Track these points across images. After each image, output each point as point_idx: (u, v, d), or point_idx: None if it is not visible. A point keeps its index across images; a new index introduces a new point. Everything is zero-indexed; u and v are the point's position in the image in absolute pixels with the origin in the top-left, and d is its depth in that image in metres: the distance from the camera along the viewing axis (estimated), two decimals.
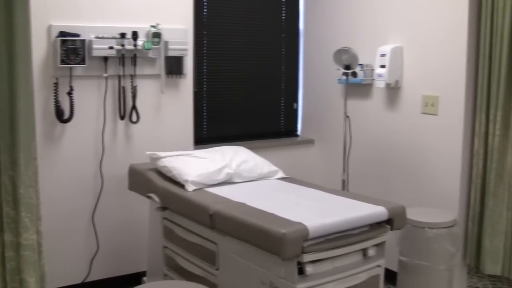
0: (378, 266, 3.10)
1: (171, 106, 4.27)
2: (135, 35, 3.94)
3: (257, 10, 4.96)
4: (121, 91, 4.04)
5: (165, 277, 3.72)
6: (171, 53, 4.10)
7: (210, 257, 3.22)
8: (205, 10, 4.65)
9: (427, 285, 3.76)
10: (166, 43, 4.07)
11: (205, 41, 4.68)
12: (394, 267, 3.94)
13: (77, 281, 4.07)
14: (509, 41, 3.62)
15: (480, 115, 3.81)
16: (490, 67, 3.75)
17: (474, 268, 4.07)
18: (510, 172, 3.69)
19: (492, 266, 3.80)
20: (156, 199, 3.57)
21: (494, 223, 3.76)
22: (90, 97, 3.97)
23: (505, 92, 3.67)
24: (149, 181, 3.67)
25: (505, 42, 3.63)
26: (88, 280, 4.10)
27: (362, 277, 3.01)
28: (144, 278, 4.04)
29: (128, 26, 3.96)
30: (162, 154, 3.72)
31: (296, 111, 5.28)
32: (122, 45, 3.90)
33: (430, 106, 4.04)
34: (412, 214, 3.69)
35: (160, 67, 4.13)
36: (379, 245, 3.07)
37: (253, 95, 5.01)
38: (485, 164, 3.83)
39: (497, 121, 3.71)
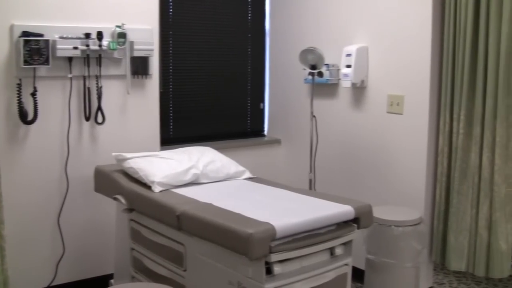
0: (346, 264, 3.12)
1: (137, 107, 4.24)
2: (100, 35, 3.89)
3: (223, 10, 4.96)
4: (86, 92, 3.99)
5: (133, 279, 3.69)
6: (136, 54, 4.07)
7: (177, 258, 3.20)
8: (170, 10, 4.62)
9: (394, 283, 3.79)
10: (132, 43, 4.04)
11: (171, 41, 4.66)
12: (361, 266, 3.97)
13: (43, 285, 4.01)
14: (471, 41, 3.68)
15: (444, 114, 3.86)
16: (453, 67, 3.81)
17: (440, 264, 4.12)
18: (473, 170, 3.74)
19: (457, 262, 3.85)
20: (123, 200, 3.54)
21: (459, 220, 3.82)
22: (55, 98, 3.92)
23: (468, 91, 3.73)
24: (115, 182, 3.64)
25: (467, 43, 3.69)
26: (54, 284, 4.04)
27: (330, 276, 3.02)
28: (112, 281, 4.00)
29: (93, 26, 3.92)
30: (128, 155, 3.69)
31: (262, 111, 5.29)
32: (87, 46, 3.85)
33: (395, 105, 4.08)
34: (379, 212, 3.71)
35: (125, 67, 4.09)
36: (346, 244, 3.09)
37: (220, 96, 5.00)
38: (449, 162, 3.89)
39: (460, 119, 3.76)
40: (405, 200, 4.05)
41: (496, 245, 3.69)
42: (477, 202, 3.76)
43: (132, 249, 3.66)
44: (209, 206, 3.08)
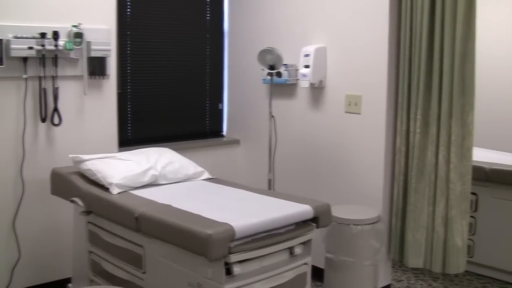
0: (305, 264, 3.14)
1: (94, 108, 4.19)
2: (56, 35, 3.83)
3: (182, 10, 4.93)
4: (42, 93, 3.92)
5: (91, 282, 3.64)
6: (93, 54, 4.01)
7: (136, 260, 3.18)
8: (128, 10, 4.58)
9: (353, 281, 3.83)
10: (89, 43, 3.98)
11: (128, 42, 4.61)
12: (321, 264, 3.99)
13: None
14: (427, 43, 3.74)
15: (402, 114, 3.91)
16: (410, 68, 3.86)
17: (398, 262, 4.17)
18: (430, 168, 3.80)
19: (415, 259, 3.90)
20: (80, 203, 3.49)
21: (416, 218, 3.87)
22: (9, 99, 3.84)
23: (424, 91, 3.78)
24: (73, 185, 3.59)
25: (423, 44, 3.74)
26: None
27: (290, 275, 3.04)
28: (69, 285, 3.94)
29: (48, 25, 3.85)
30: (85, 157, 3.65)
31: (221, 111, 5.28)
32: (43, 45, 3.78)
33: (353, 105, 4.12)
34: (338, 211, 3.74)
35: (82, 68, 4.03)
36: (305, 243, 3.11)
37: (178, 96, 4.97)
38: (406, 161, 3.94)
39: (417, 119, 3.82)
40: (363, 198, 4.09)
41: (452, 242, 3.75)
42: (433, 200, 3.81)
43: (90, 252, 3.62)
44: (168, 208, 3.06)
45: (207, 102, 5.19)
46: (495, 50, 6.34)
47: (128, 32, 4.60)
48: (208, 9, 5.09)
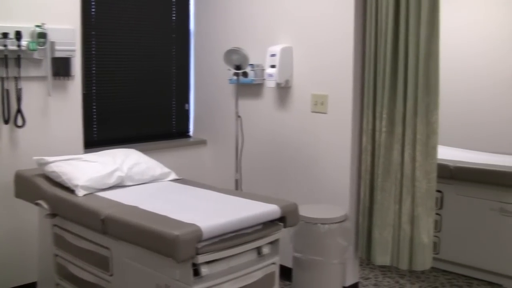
0: (273, 263, 3.15)
1: (59, 109, 4.13)
2: (18, 35, 3.77)
3: (147, 10, 4.89)
4: (5, 94, 3.85)
5: (57, 286, 3.60)
6: (58, 54, 3.96)
7: (103, 263, 3.14)
8: (93, 10, 4.53)
9: (321, 279, 3.84)
10: (53, 43, 3.93)
11: (93, 42, 4.56)
12: (289, 264, 4.00)
13: None
14: (392, 43, 3.77)
15: (367, 113, 3.94)
16: (375, 68, 3.89)
17: (366, 260, 4.21)
18: (396, 167, 3.83)
19: (382, 257, 3.94)
20: (45, 205, 3.45)
21: (383, 216, 3.90)
22: None
23: (390, 90, 3.82)
24: (37, 187, 3.54)
25: (388, 44, 3.78)
26: None
27: (258, 275, 3.05)
28: None
29: (10, 25, 3.78)
30: (50, 159, 3.60)
31: (188, 112, 5.26)
32: (5, 46, 3.72)
33: (319, 104, 4.13)
34: (305, 211, 3.76)
35: (46, 68, 3.98)
36: (273, 243, 3.11)
37: (145, 97, 4.94)
38: (373, 160, 3.97)
39: (383, 118, 3.85)
40: (330, 198, 4.12)
41: (418, 239, 3.79)
42: (400, 198, 3.85)
43: (56, 255, 3.57)
44: (135, 209, 3.05)
45: (174, 102, 5.16)
46: (460, 51, 6.44)
47: (93, 32, 4.55)
48: (173, 9, 5.07)
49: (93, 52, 4.56)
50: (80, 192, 3.34)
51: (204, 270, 2.73)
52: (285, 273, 3.98)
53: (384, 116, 3.84)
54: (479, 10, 6.28)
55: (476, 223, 4.43)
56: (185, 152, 5.04)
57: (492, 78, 6.22)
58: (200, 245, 2.68)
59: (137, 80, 4.88)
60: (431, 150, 3.73)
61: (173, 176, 3.83)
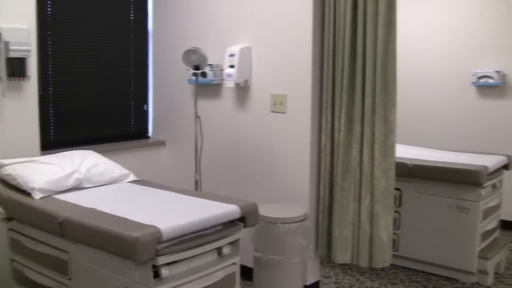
0: (234, 263, 3.15)
1: (14, 111, 4.05)
2: None
3: (105, 10, 4.84)
4: None
5: None
6: (12, 54, 3.88)
7: (61, 267, 3.10)
8: (49, 9, 4.45)
9: (282, 279, 3.85)
10: (7, 43, 3.85)
11: (49, 42, 4.49)
12: (249, 264, 4.00)
13: None
14: (350, 42, 3.80)
15: (326, 112, 3.97)
16: (334, 67, 3.92)
17: (326, 258, 4.23)
18: (355, 165, 3.87)
19: (342, 255, 3.97)
20: (0, 209, 3.39)
21: (343, 214, 3.93)
22: None
23: (348, 90, 3.85)
24: None
25: (346, 44, 3.81)
26: None
27: (219, 276, 3.05)
28: None
29: None
30: (5, 161, 3.54)
31: (146, 112, 5.21)
32: None
33: (278, 104, 4.14)
34: (265, 210, 3.76)
35: (0, 69, 3.90)
36: (233, 243, 3.12)
37: (103, 97, 4.88)
38: (332, 159, 4.00)
39: (341, 117, 3.88)
40: (290, 197, 4.13)
41: (377, 237, 3.83)
42: (359, 196, 3.89)
43: (12, 260, 3.51)
44: (93, 211, 3.01)
45: (132, 103, 5.11)
46: (418, 51, 6.55)
47: (49, 32, 4.48)
48: (131, 9, 5.02)
49: (50, 52, 4.49)
50: (37, 195, 3.29)
51: (164, 271, 2.72)
52: (246, 273, 3.98)
53: (343, 115, 3.87)
54: (439, 11, 6.41)
55: (434, 220, 4.50)
56: (144, 153, 5.00)
57: (450, 77, 6.35)
58: (160, 246, 2.67)
59: (95, 81, 4.81)
60: (389, 148, 3.77)
61: (132, 177, 3.81)
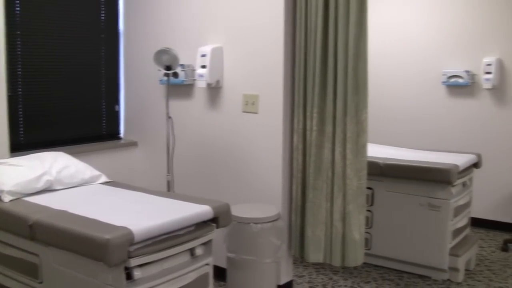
0: (207, 264, 3.15)
1: None
2: None
3: (75, 10, 4.79)
4: None
5: None
6: None
7: (32, 270, 3.07)
8: (17, 9, 4.39)
9: (255, 279, 3.85)
10: None
11: (19, 42, 4.43)
12: (223, 264, 3.99)
13: None
14: (321, 43, 3.81)
15: (298, 112, 3.97)
16: (305, 67, 3.93)
17: (299, 258, 4.23)
18: (327, 165, 3.88)
19: (315, 254, 3.98)
20: None
21: (315, 214, 3.94)
22: None
23: (320, 90, 3.86)
24: None
25: (318, 43, 3.82)
26: None
27: (192, 277, 3.05)
28: None
29: None
30: None
31: (118, 113, 5.17)
32: None
33: (250, 104, 4.14)
34: (237, 211, 3.76)
35: None
36: (206, 244, 3.12)
37: (73, 98, 4.83)
38: (304, 158, 4.01)
39: (313, 117, 3.89)
40: (263, 197, 4.13)
41: (350, 236, 3.85)
42: (331, 195, 3.90)
43: None
44: (64, 214, 2.99)
45: (103, 104, 5.07)
46: (389, 52, 6.60)
47: (18, 32, 4.41)
48: (102, 9, 4.97)
49: (19, 53, 4.43)
50: (6, 198, 3.25)
51: (137, 273, 2.72)
52: (219, 273, 3.98)
53: (315, 115, 3.88)
54: (410, 12, 6.47)
55: (406, 218, 4.53)
56: (116, 154, 4.96)
57: (420, 77, 6.42)
58: (132, 248, 2.66)
59: (66, 81, 4.76)
60: (361, 148, 3.79)
61: (103, 179, 3.78)
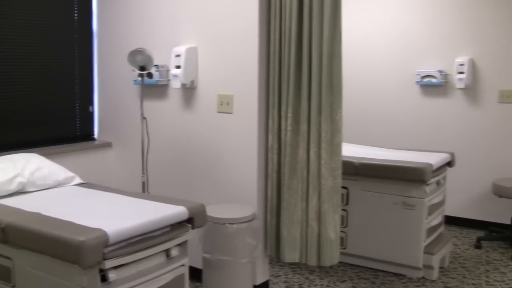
0: (182, 265, 3.15)
1: None
2: None
3: (47, 9, 4.73)
4: None
5: None
6: None
7: (4, 274, 3.03)
8: None
9: (231, 279, 3.85)
10: None
11: None
12: (198, 265, 3.99)
13: None
14: (296, 43, 3.82)
15: (273, 112, 3.98)
16: (280, 68, 3.93)
17: (275, 258, 4.24)
18: (302, 165, 3.89)
19: (291, 254, 3.98)
20: None
21: (291, 213, 3.95)
22: None
23: (294, 90, 3.86)
24: None
25: (293, 43, 3.82)
26: None
27: (167, 278, 3.04)
28: None
29: None
30: None
31: (92, 114, 5.12)
32: None
33: (225, 105, 4.14)
34: (213, 211, 3.75)
35: None
36: (181, 245, 3.11)
37: (46, 99, 4.77)
38: (279, 158, 4.01)
39: (288, 117, 3.89)
40: (238, 197, 4.13)
41: (325, 235, 3.86)
42: (306, 195, 3.91)
43: None
44: (37, 216, 2.96)
45: (77, 104, 5.02)
46: (365, 52, 6.65)
47: None
48: (75, 8, 4.93)
49: None
50: None
51: (112, 275, 2.70)
52: (195, 274, 3.97)
53: (289, 115, 3.89)
54: (384, 12, 6.53)
55: (381, 217, 4.57)
56: (90, 155, 4.91)
57: (394, 77, 6.48)
58: (106, 250, 2.64)
59: (38, 82, 4.71)
60: (335, 147, 3.81)
61: (77, 180, 3.75)
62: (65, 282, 2.74)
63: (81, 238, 2.54)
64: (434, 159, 4.60)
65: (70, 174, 3.75)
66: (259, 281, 4.17)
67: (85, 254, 2.53)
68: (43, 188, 3.56)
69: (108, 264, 2.65)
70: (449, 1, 6.02)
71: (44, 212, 2.98)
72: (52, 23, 4.76)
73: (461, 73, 5.84)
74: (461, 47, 5.98)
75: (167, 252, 3.01)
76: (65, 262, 2.66)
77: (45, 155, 3.90)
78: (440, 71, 6.03)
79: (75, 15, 4.94)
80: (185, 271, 3.16)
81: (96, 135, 5.15)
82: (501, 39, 5.75)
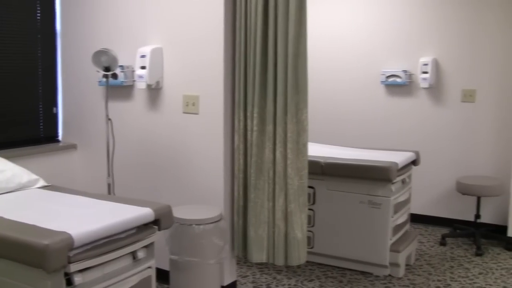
0: (149, 267, 3.13)
1: None
2: None
3: (9, 9, 4.66)
4: None
5: None
6: None
7: None
8: None
9: (199, 280, 3.84)
10: None
11: None
12: (166, 267, 3.97)
13: None
14: (261, 43, 3.82)
15: (239, 113, 3.98)
16: (245, 67, 3.93)
17: (243, 258, 4.25)
18: (268, 165, 3.89)
19: (258, 254, 3.99)
20: None
21: (257, 214, 3.95)
22: None
23: (260, 90, 3.87)
24: None
25: (258, 44, 3.83)
26: None
27: (134, 280, 3.02)
28: None
29: None
30: None
31: (56, 115, 5.06)
32: None
33: (191, 105, 4.13)
34: (179, 212, 3.74)
35: None
36: (148, 247, 3.09)
37: (8, 100, 4.69)
38: (245, 158, 4.01)
39: (254, 117, 3.90)
40: (205, 198, 4.12)
41: (292, 235, 3.87)
42: (273, 195, 3.92)
43: None
44: (0, 220, 2.89)
45: (40, 106, 4.94)
46: (331, 51, 6.68)
47: None
48: (38, 8, 4.85)
49: None
50: None
51: (77, 279, 2.67)
52: (162, 276, 3.95)
53: (255, 115, 3.89)
54: (350, 12, 6.58)
55: (347, 216, 4.60)
56: (54, 157, 4.85)
57: (360, 77, 6.54)
58: (72, 253, 2.61)
59: (0, 83, 4.63)
60: (301, 147, 3.82)
61: (41, 183, 3.70)
62: (30, 287, 2.70)
63: (45, 242, 2.50)
64: (399, 158, 4.66)
65: (34, 176, 3.69)
66: (227, 281, 4.17)
67: (50, 258, 2.49)
68: (6, 191, 3.50)
69: (74, 267, 2.62)
70: (414, 1, 6.09)
71: (6, 216, 2.93)
72: (13, 23, 4.68)
73: (425, 72, 5.93)
74: (425, 47, 6.06)
75: (133, 254, 2.99)
76: (29, 266, 2.61)
77: (8, 157, 3.84)
78: (405, 71, 6.10)
79: (38, 15, 4.86)
80: (152, 273, 3.14)
81: (60, 137, 5.09)
82: (464, 39, 5.84)
